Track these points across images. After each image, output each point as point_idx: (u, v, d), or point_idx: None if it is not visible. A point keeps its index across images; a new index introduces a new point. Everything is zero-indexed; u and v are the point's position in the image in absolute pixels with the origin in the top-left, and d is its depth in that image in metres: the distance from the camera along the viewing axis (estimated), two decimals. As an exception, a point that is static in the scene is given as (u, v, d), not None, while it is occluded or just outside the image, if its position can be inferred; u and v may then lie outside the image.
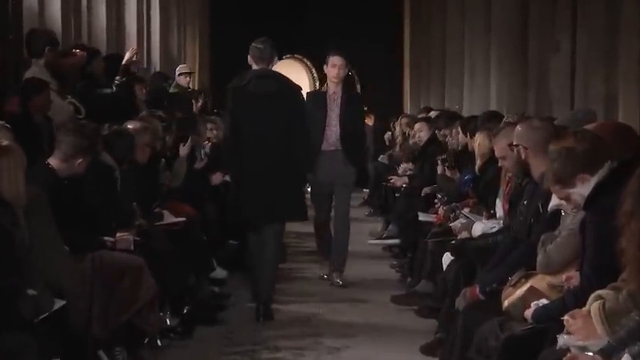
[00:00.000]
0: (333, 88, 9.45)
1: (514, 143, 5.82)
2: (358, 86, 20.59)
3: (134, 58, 10.43)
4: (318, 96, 9.77)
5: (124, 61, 10.02)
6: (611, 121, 7.32)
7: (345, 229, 9.57)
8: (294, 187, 8.18)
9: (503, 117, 8.51)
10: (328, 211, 9.68)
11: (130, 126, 7.65)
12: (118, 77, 9.74)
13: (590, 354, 3.60)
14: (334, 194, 9.49)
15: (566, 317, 4.00)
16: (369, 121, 20.20)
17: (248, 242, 8.38)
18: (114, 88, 9.57)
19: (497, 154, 6.47)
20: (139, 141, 7.51)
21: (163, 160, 8.52)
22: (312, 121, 8.84)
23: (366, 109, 20.20)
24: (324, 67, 9.46)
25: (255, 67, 8.14)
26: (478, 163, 7.88)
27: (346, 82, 9.70)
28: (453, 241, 7.07)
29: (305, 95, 8.91)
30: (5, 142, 5.13)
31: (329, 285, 9.37)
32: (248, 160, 7.97)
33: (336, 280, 9.41)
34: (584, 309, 3.99)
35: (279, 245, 8.46)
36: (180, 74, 13.52)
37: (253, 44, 8.16)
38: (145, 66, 14.81)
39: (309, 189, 9.61)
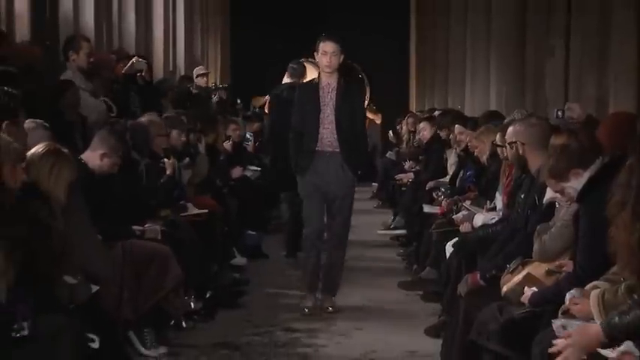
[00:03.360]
0: (326, 79, 7.64)
1: (512, 140, 5.81)
2: (368, 89, 20.54)
3: (139, 68, 9.20)
4: (309, 88, 7.85)
5: (123, 70, 9.16)
6: (621, 113, 7.06)
7: (340, 251, 7.91)
8: None
9: (503, 116, 8.49)
10: (320, 224, 7.80)
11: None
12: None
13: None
14: (328, 205, 7.76)
15: (569, 298, 4.01)
16: (377, 120, 20.26)
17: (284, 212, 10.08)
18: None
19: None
20: (152, 132, 7.57)
21: (188, 158, 8.50)
22: (304, 118, 7.69)
23: (374, 107, 20.36)
24: (315, 55, 7.69)
25: (289, 80, 9.99)
26: (483, 157, 7.80)
27: (345, 74, 7.94)
28: (455, 230, 7.07)
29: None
30: (55, 146, 5.13)
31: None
32: (279, 148, 9.01)
33: (325, 305, 7.73)
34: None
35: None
36: (197, 76, 13.45)
37: (290, 64, 10.14)
38: (171, 69, 14.88)
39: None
